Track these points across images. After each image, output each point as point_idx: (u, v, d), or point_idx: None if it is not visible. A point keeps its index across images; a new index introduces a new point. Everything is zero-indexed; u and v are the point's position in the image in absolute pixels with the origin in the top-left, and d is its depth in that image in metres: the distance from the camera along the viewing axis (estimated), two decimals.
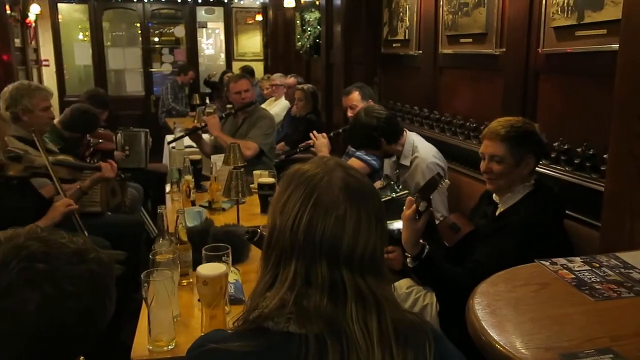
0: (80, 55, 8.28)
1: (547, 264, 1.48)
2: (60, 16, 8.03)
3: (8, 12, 5.93)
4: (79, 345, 0.85)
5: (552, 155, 2.43)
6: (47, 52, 7.81)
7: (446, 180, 1.90)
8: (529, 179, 2.06)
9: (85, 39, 8.37)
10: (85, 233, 2.59)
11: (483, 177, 2.15)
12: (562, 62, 2.41)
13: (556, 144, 2.41)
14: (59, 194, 2.67)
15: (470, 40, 3.09)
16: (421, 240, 1.91)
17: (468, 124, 3.11)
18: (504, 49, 2.79)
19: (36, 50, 7.44)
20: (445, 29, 3.34)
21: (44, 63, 7.67)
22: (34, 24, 7.12)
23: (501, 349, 1.10)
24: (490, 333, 1.15)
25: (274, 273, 0.97)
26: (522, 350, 1.09)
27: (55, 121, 3.80)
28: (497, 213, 2.09)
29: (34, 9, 6.97)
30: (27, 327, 0.77)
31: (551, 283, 1.38)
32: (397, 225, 2.07)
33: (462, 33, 3.16)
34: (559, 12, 2.35)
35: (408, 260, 1.93)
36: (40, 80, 7.32)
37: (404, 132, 2.92)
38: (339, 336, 0.90)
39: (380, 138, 2.81)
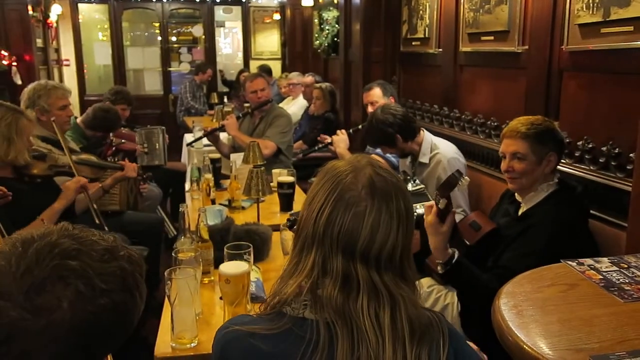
0: (100, 54, 8.37)
1: (574, 264, 1.46)
2: (80, 16, 8.12)
3: (30, 12, 6.02)
4: (111, 342, 0.85)
5: (576, 155, 2.39)
6: (67, 52, 7.90)
7: (466, 178, 1.88)
8: (552, 177, 2.04)
9: (104, 38, 8.46)
10: (106, 228, 2.62)
11: (504, 177, 2.12)
12: (586, 60, 2.37)
13: (580, 142, 2.38)
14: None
15: (492, 38, 3.05)
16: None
17: (489, 122, 3.08)
18: (527, 47, 2.75)
19: (57, 50, 7.54)
20: (466, 26, 3.30)
21: (64, 63, 7.77)
22: (55, 25, 7.21)
23: (529, 350, 1.09)
24: (518, 334, 1.14)
25: (297, 259, 1.03)
26: (551, 352, 1.08)
27: (78, 120, 3.84)
28: (520, 212, 2.07)
29: (55, 10, 7.05)
30: (61, 325, 0.77)
31: (578, 284, 1.36)
32: (419, 210, 2.08)
33: (483, 31, 3.13)
34: (584, 9, 2.31)
35: (438, 267, 1.91)
36: (61, 79, 7.42)
37: (421, 131, 2.92)
38: (349, 326, 0.94)
39: (396, 135, 2.81)
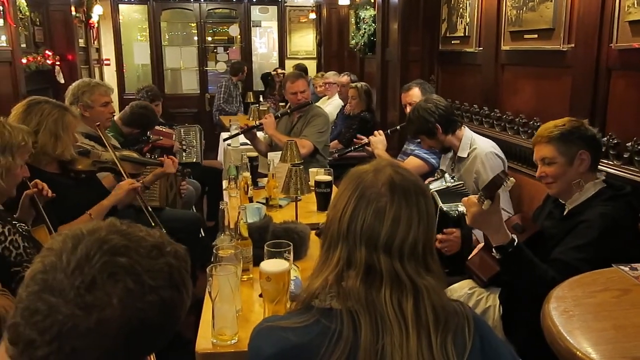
0: (139, 54, 8.53)
1: (627, 269, 1.41)
2: (120, 17, 8.29)
3: (73, 13, 6.17)
4: (159, 339, 0.85)
5: (625, 156, 2.31)
6: (108, 51, 8.08)
7: (511, 179, 1.83)
8: (595, 176, 1.98)
9: (143, 39, 8.61)
10: (161, 226, 2.64)
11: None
12: (637, 58, 2.28)
13: (629, 144, 2.30)
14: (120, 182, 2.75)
15: (536, 36, 2.98)
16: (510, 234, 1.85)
17: (532, 122, 3.01)
18: (573, 45, 2.68)
19: (98, 50, 7.71)
20: (509, 24, 3.23)
21: (105, 62, 7.94)
22: (96, 25, 7.38)
23: (582, 356, 1.05)
24: (569, 339, 1.10)
25: (324, 257, 1.08)
26: None
27: (115, 118, 3.91)
28: (565, 213, 2.01)
29: (97, 10, 7.21)
30: (110, 322, 0.77)
31: (632, 289, 1.31)
32: (461, 208, 2.05)
33: (526, 29, 3.06)
34: (635, 5, 2.23)
35: (496, 253, 1.86)
36: (101, 78, 7.58)
37: (462, 126, 2.89)
38: (373, 316, 0.97)
39: (436, 124, 2.79)
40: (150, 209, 2.73)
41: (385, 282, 0.99)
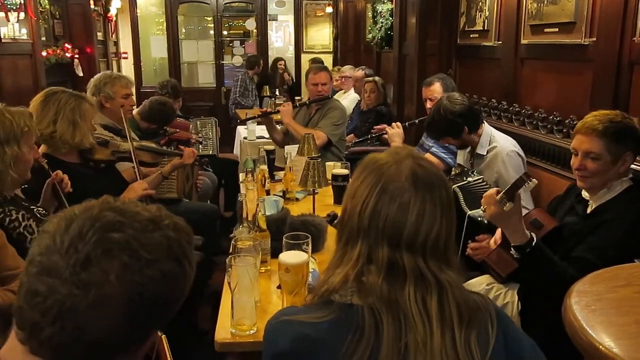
0: (156, 47, 8.58)
1: None
2: (138, 10, 8.34)
3: (92, 7, 6.23)
4: (163, 312, 0.84)
5: None
6: (126, 45, 8.14)
7: (534, 180, 1.81)
8: (625, 174, 1.94)
9: (159, 32, 8.66)
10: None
11: (574, 174, 2.03)
12: None
13: None
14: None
15: (557, 29, 2.94)
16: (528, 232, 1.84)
17: (551, 117, 2.97)
18: (594, 39, 2.64)
19: (116, 43, 7.78)
20: (529, 18, 3.20)
21: (123, 55, 8.00)
22: (114, 18, 7.43)
23: (605, 351, 1.04)
24: (592, 333, 1.10)
25: (342, 252, 1.05)
26: (628, 355, 1.03)
27: (134, 112, 3.94)
28: (589, 210, 1.98)
29: (115, 4, 7.27)
30: (110, 298, 0.77)
31: None
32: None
33: (547, 22, 3.02)
34: None
35: (514, 251, 1.85)
36: (119, 71, 7.64)
37: (482, 122, 2.85)
38: (396, 313, 0.95)
39: (464, 125, 2.76)
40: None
41: (409, 279, 0.97)
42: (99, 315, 0.77)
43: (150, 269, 0.80)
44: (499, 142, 2.78)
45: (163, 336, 1.22)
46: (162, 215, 0.86)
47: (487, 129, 2.85)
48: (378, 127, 3.68)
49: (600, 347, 1.05)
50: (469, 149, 2.92)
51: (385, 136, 3.36)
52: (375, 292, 0.97)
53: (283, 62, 7.91)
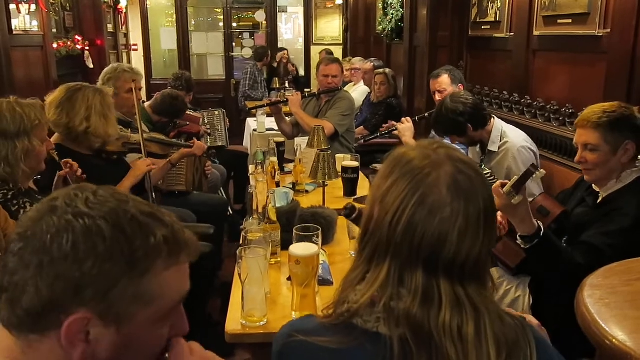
0: (166, 39, 8.59)
1: None
2: (148, 2, 8.36)
3: None
4: (80, 276, 0.74)
5: None
6: (136, 37, 8.16)
7: (541, 170, 1.80)
8: (634, 164, 1.93)
9: (169, 24, 8.66)
10: (153, 196, 2.72)
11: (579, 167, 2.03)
12: None
13: None
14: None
15: (570, 20, 2.91)
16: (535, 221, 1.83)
17: (564, 110, 2.95)
18: (609, 30, 2.61)
19: (126, 35, 7.78)
20: (542, 9, 3.16)
21: (133, 47, 8.02)
22: (124, 10, 7.44)
23: (619, 345, 1.03)
24: (605, 327, 1.09)
25: (366, 267, 0.92)
26: None
27: (146, 105, 3.95)
28: (598, 201, 1.97)
29: None
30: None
31: None
32: None
33: (560, 13, 2.98)
34: None
35: (521, 242, 1.85)
36: (129, 63, 7.66)
37: (492, 118, 2.82)
38: (427, 344, 0.85)
39: (467, 124, 2.73)
40: (152, 188, 2.76)
41: (445, 307, 0.86)
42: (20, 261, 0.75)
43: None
44: (510, 138, 2.75)
45: None
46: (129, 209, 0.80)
47: (497, 124, 2.81)
48: (386, 125, 3.66)
49: (614, 340, 1.04)
50: (478, 146, 2.90)
51: (395, 132, 3.35)
52: (407, 320, 0.85)
53: (285, 51, 7.87)
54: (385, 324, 0.87)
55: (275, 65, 7.76)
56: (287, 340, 0.94)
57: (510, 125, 2.90)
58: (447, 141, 3.30)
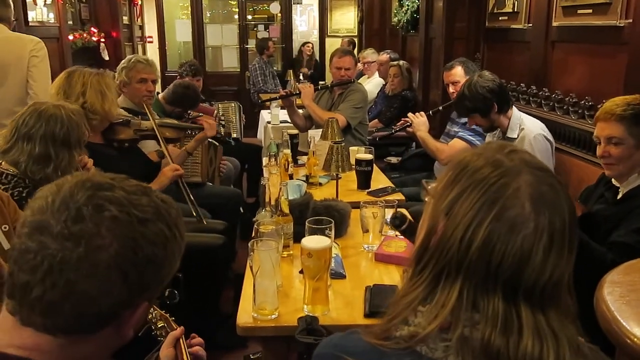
0: (181, 32, 8.60)
1: None
2: None
3: None
4: (156, 277, 0.84)
5: None
6: (151, 29, 8.17)
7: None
8: None
9: (184, 16, 8.66)
10: (192, 199, 2.69)
11: (600, 162, 1.98)
12: None
13: None
14: (164, 157, 2.79)
15: (590, 11, 2.84)
16: None
17: (583, 102, 2.88)
18: (631, 20, 2.54)
19: (141, 27, 7.80)
20: None
21: (148, 39, 8.04)
22: (140, 2, 7.45)
23: None
24: (626, 326, 1.05)
25: (430, 287, 0.81)
26: None
27: (160, 96, 3.95)
28: (619, 197, 1.93)
29: None
30: (102, 250, 0.77)
31: None
32: None
33: (580, 3, 2.92)
34: None
35: None
36: (144, 55, 7.68)
37: (512, 106, 2.79)
38: None
39: (494, 102, 2.71)
40: (192, 199, 2.76)
41: (527, 336, 0.75)
42: (90, 270, 0.76)
43: (141, 226, 0.80)
44: (526, 125, 2.74)
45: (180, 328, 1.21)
46: (150, 188, 0.87)
47: (516, 112, 2.80)
48: (400, 123, 3.62)
49: (635, 339, 1.01)
50: (497, 133, 2.86)
51: (410, 129, 3.31)
52: (485, 353, 0.75)
53: (310, 45, 7.83)
54: (459, 355, 0.76)
55: (295, 56, 7.72)
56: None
57: (527, 115, 2.87)
58: (460, 134, 3.27)
